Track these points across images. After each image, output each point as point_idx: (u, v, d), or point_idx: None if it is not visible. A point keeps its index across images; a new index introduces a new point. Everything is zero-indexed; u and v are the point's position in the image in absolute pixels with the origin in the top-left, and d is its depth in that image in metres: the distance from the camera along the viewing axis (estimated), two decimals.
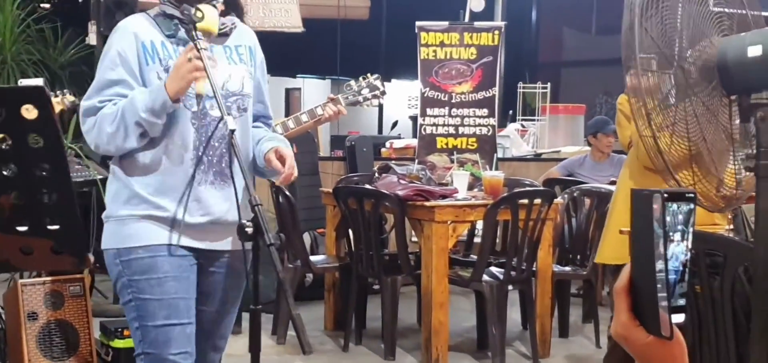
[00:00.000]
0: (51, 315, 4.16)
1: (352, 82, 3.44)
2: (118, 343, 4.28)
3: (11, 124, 1.69)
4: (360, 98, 3.32)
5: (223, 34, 2.67)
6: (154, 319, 2.58)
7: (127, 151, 2.51)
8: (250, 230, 2.15)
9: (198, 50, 2.39)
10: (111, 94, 2.49)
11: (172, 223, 2.60)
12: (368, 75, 3.41)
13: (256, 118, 2.83)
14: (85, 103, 2.52)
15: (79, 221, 1.83)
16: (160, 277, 2.58)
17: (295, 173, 2.62)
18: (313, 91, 14.91)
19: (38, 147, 1.73)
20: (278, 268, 2.04)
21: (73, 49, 9.01)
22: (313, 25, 8.75)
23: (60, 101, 3.69)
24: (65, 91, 3.75)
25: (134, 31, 2.57)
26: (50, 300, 4.17)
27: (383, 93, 3.44)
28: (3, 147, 1.71)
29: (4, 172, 1.75)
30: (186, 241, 2.63)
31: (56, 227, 1.81)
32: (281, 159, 2.62)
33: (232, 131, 2.30)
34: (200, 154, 2.59)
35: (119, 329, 4.26)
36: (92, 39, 6.69)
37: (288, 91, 14.72)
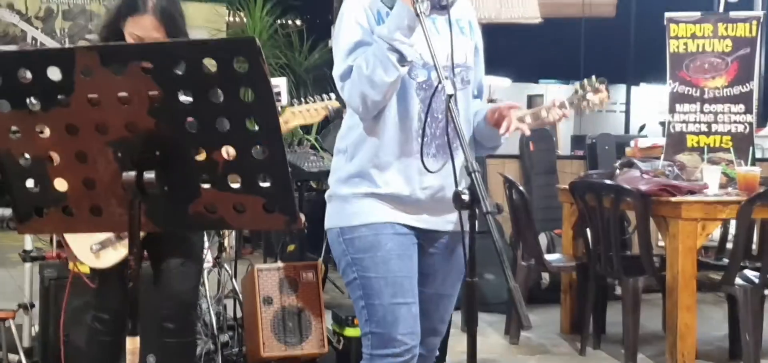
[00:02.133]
0: (285, 300, 4.29)
1: (577, 85, 3.31)
2: (349, 332, 4.34)
3: (223, 77, 1.70)
4: (583, 104, 3.17)
5: (445, 7, 2.61)
6: (381, 298, 2.56)
7: (392, 88, 2.48)
8: (466, 197, 2.06)
9: (418, 14, 2.35)
10: (359, 54, 2.51)
11: (395, 201, 2.59)
12: (593, 77, 3.26)
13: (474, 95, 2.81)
14: (337, 70, 2.56)
15: (289, 180, 1.81)
16: (383, 254, 2.57)
17: (522, 127, 2.56)
18: (557, 97, 14.60)
19: (249, 101, 1.72)
20: (495, 236, 1.94)
21: (317, 53, 9.38)
22: (556, 24, 8.55)
23: (325, 107, 3.68)
24: (331, 95, 3.73)
25: (361, 1, 2.61)
26: (285, 285, 4.31)
27: (607, 97, 3.26)
28: (215, 101, 1.72)
29: (217, 127, 1.75)
30: (407, 220, 2.61)
31: (267, 185, 1.81)
32: (499, 113, 2.59)
33: (450, 96, 2.22)
34: (424, 126, 2.55)
35: (351, 318, 4.31)
36: None
37: (530, 98, 14.54)
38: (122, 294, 3.25)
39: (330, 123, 8.63)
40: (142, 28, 3.12)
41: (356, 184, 2.60)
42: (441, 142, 2.57)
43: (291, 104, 3.59)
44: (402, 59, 2.44)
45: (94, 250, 3.22)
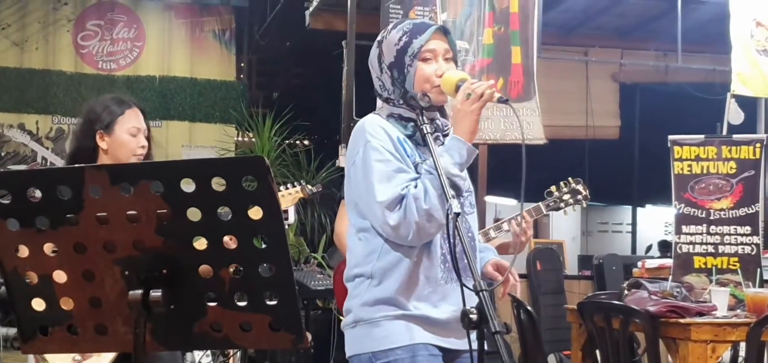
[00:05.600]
0: None
1: (554, 188, 3.29)
2: None
3: (231, 195, 1.70)
4: (561, 204, 3.18)
5: (446, 134, 2.65)
6: None
7: (443, 225, 2.45)
8: (474, 317, 2.04)
9: (423, 135, 2.38)
10: (405, 181, 2.51)
11: (426, 322, 2.57)
12: (570, 180, 3.27)
13: None
14: (383, 198, 2.50)
15: (296, 297, 1.80)
16: None
17: (516, 282, 2.57)
18: (560, 216, 14.62)
19: (258, 219, 1.72)
20: (504, 357, 1.91)
21: (324, 172, 9.45)
22: (558, 145, 8.61)
23: (300, 190, 3.76)
24: (302, 182, 3.83)
25: (383, 127, 2.61)
26: None
27: (586, 197, 3.27)
28: (223, 218, 1.72)
29: (225, 244, 1.75)
30: (438, 341, 2.59)
31: (274, 303, 1.79)
32: (499, 269, 2.58)
33: (457, 214, 2.22)
34: (444, 251, 2.57)
35: None
36: (342, 162, 6.96)
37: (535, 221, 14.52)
38: None
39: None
40: (136, 118, 3.26)
41: (385, 309, 2.56)
42: (460, 265, 2.54)
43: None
44: (459, 193, 2.46)
45: (76, 361, 3.07)
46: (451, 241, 2.50)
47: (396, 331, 2.54)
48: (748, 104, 8.46)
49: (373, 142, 2.57)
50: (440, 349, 2.59)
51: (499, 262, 2.68)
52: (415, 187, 2.48)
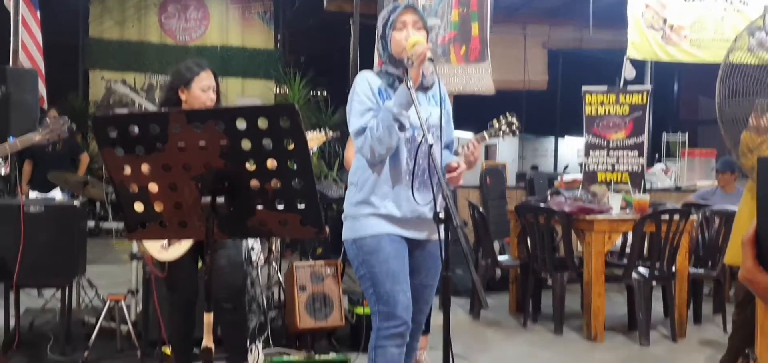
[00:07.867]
0: (315, 288, 4.25)
1: (495, 120, 3.20)
2: (360, 310, 4.31)
3: (272, 130, 1.70)
4: (500, 132, 3.12)
5: (427, 87, 2.62)
6: (384, 286, 2.54)
7: (394, 146, 2.47)
8: (442, 216, 2.05)
9: (408, 87, 2.36)
10: (369, 117, 2.51)
11: (390, 219, 2.57)
12: (507, 114, 3.17)
13: (446, 146, 2.77)
14: (353, 128, 2.54)
15: (318, 203, 1.81)
16: (384, 256, 2.54)
17: (460, 180, 2.55)
18: (505, 143, 14.61)
19: (291, 148, 1.72)
20: (463, 243, 1.93)
21: (337, 115, 9.42)
22: (504, 94, 8.55)
23: (324, 135, 3.70)
24: (327, 129, 3.78)
25: (367, 79, 2.61)
26: (315, 277, 4.28)
27: (518, 127, 3.21)
28: (267, 148, 1.72)
29: (268, 165, 1.75)
30: (399, 231, 2.58)
31: (303, 206, 1.80)
32: (450, 169, 2.58)
33: (431, 145, 2.22)
34: (411, 167, 2.55)
35: (361, 300, 4.29)
36: None
37: (486, 146, 14.50)
38: (186, 280, 3.17)
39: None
40: (208, 79, 3.15)
41: (363, 208, 2.58)
42: (422, 179, 2.56)
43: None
44: (402, 127, 2.44)
45: (164, 247, 3.10)
46: (414, 162, 2.52)
47: (368, 224, 2.56)
48: (638, 64, 8.40)
49: (357, 89, 2.58)
50: (403, 237, 2.58)
51: (451, 164, 2.63)
52: (373, 120, 2.49)
